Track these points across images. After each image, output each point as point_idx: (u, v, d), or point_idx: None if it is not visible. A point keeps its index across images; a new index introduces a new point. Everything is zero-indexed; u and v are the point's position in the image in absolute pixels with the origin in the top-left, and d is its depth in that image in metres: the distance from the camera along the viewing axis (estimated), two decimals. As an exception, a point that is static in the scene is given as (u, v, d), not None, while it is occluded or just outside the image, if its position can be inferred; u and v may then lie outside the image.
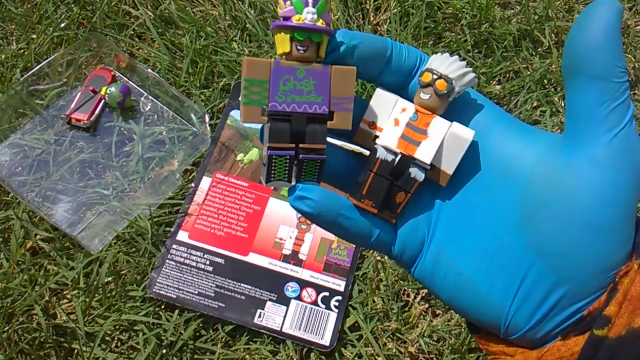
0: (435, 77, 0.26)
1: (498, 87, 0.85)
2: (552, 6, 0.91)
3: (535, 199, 0.26)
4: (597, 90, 0.24)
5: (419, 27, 0.87)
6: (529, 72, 0.87)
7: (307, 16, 0.25)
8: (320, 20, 0.25)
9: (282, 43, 0.26)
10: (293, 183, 0.27)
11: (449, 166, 0.27)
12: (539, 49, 0.89)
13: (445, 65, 0.27)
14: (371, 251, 0.73)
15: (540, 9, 0.90)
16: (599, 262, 0.25)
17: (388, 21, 0.89)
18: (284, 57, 0.26)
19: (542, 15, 0.90)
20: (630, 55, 0.89)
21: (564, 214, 0.25)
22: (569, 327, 0.25)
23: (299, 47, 0.25)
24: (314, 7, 0.25)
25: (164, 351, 0.66)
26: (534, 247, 0.26)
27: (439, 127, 0.27)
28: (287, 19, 0.25)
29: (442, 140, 0.27)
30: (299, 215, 0.74)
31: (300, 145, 0.26)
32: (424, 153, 0.27)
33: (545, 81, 0.86)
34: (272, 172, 0.27)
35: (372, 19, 0.90)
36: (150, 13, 0.87)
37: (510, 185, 0.27)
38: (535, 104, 0.84)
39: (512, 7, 0.93)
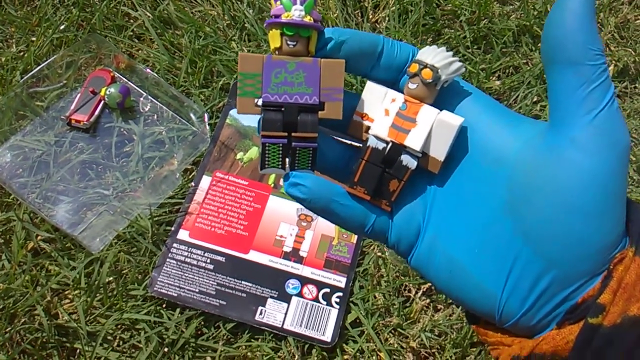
0: (421, 67, 0.27)
1: (498, 82, 0.85)
2: (551, 1, 0.90)
3: (520, 184, 0.26)
4: (572, 74, 0.25)
5: (418, 24, 0.87)
6: (528, 68, 0.86)
7: (295, 13, 0.27)
8: (308, 17, 0.27)
9: (274, 39, 0.27)
10: (287, 170, 0.29)
11: (439, 153, 0.28)
12: (539, 44, 0.89)
13: (432, 55, 0.28)
14: (372, 247, 0.73)
15: (540, 4, 0.90)
16: (586, 246, 0.25)
17: (387, 18, 0.89)
18: (276, 52, 0.28)
19: (542, 10, 0.90)
20: (630, 49, 0.88)
21: (547, 198, 0.25)
22: (563, 315, 0.25)
23: (288, 42, 0.27)
24: (301, 5, 0.27)
25: (166, 349, 0.66)
26: (521, 233, 0.26)
27: (427, 114, 0.28)
28: (277, 16, 0.27)
29: (431, 128, 0.28)
30: (299, 212, 0.74)
31: (293, 134, 0.28)
32: (414, 140, 0.28)
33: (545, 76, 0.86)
34: (266, 159, 0.28)
35: (370, 16, 0.90)
36: (149, 14, 0.87)
37: (497, 172, 0.27)
38: (535, 99, 0.84)
39: (511, 3, 0.93)
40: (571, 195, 0.25)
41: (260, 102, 0.27)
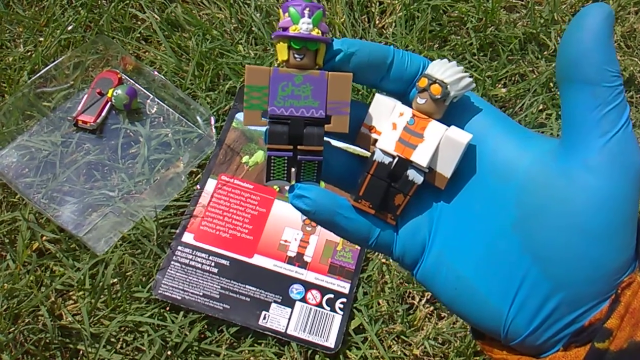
0: (430, 82, 0.27)
1: (504, 90, 0.85)
2: (558, 9, 0.91)
3: (529, 203, 0.26)
4: (588, 95, 0.24)
5: (425, 30, 0.87)
6: (534, 76, 0.87)
7: (303, 26, 0.26)
8: (316, 30, 0.27)
9: (281, 51, 0.27)
10: (292, 182, 0.29)
11: (446, 169, 0.28)
12: (545, 52, 0.89)
13: (442, 70, 0.27)
14: (376, 253, 0.73)
15: (546, 13, 0.90)
16: (595, 269, 0.25)
17: (393, 24, 0.89)
18: (284, 64, 0.28)
19: (548, 18, 0.90)
20: (636, 59, 0.88)
21: (557, 219, 0.25)
22: (570, 337, 0.25)
23: (296, 55, 0.27)
24: (309, 17, 0.26)
25: (169, 353, 0.66)
26: (529, 253, 0.26)
27: (434, 131, 0.27)
28: (285, 29, 0.27)
29: (438, 144, 0.27)
30: (304, 217, 0.74)
31: (299, 147, 0.28)
32: (420, 156, 0.27)
33: (551, 84, 0.86)
34: (271, 171, 0.28)
35: (377, 22, 0.90)
36: (156, 16, 0.88)
37: (506, 188, 0.27)
38: (541, 107, 0.84)
39: (518, 11, 0.93)
40: (582, 218, 0.24)
41: (266, 115, 0.27)
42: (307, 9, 0.26)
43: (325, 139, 0.28)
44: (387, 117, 0.28)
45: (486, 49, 0.88)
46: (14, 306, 0.67)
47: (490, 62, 0.87)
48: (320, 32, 0.27)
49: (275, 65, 0.28)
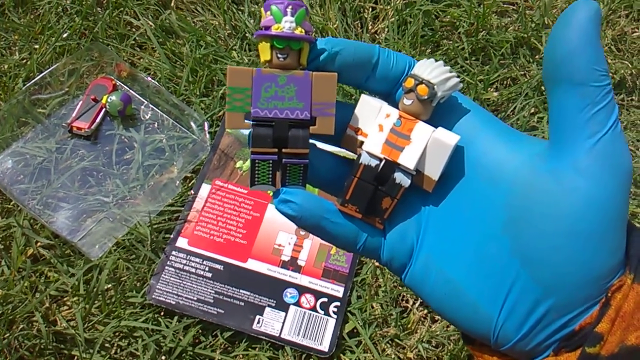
0: (417, 82, 0.27)
1: (495, 94, 0.85)
2: (549, 14, 0.91)
3: (518, 206, 0.25)
4: (576, 96, 0.24)
5: (417, 35, 0.88)
6: (526, 79, 0.87)
7: (286, 25, 0.26)
8: (299, 29, 0.26)
9: (264, 51, 0.26)
10: (278, 187, 0.28)
11: (433, 172, 0.27)
12: (536, 56, 0.89)
13: (429, 70, 0.27)
14: (370, 257, 0.73)
15: (537, 17, 0.91)
16: (585, 272, 0.24)
17: (386, 30, 0.90)
18: (267, 65, 0.27)
19: (539, 23, 0.90)
20: (627, 62, 0.89)
21: (546, 223, 0.24)
22: (560, 341, 0.25)
23: (279, 55, 0.26)
24: (292, 16, 0.26)
25: (163, 357, 0.66)
26: (519, 256, 0.25)
27: (422, 132, 0.27)
28: (267, 28, 0.26)
29: (425, 146, 0.27)
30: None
31: (283, 150, 0.27)
32: (408, 158, 0.27)
33: (543, 88, 0.86)
34: (256, 176, 0.27)
35: (370, 27, 0.91)
36: (151, 23, 0.88)
37: (495, 191, 0.26)
38: (532, 111, 0.85)
39: (509, 15, 0.94)
40: (571, 221, 0.24)
41: (249, 118, 0.27)
42: (290, 7, 0.26)
43: (311, 141, 0.27)
44: (374, 118, 0.28)
45: (478, 54, 0.89)
46: (8, 312, 0.67)
47: (482, 66, 0.88)
48: (303, 30, 0.26)
49: (260, 66, 0.28)
